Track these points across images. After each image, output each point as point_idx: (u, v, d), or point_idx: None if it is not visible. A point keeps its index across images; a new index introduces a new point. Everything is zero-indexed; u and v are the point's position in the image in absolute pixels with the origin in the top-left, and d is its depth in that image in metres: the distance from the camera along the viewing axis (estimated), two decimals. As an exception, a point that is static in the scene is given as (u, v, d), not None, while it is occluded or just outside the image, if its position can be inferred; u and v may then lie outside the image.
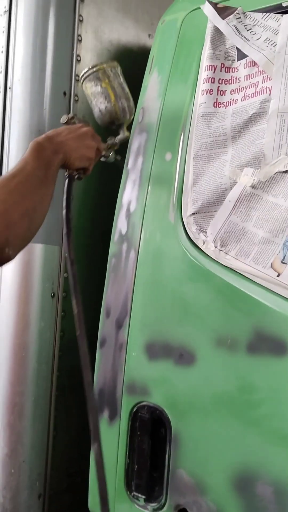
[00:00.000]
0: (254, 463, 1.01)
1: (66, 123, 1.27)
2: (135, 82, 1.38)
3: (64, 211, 1.19)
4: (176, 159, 1.24)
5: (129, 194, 1.32)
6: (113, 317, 1.30)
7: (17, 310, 1.44)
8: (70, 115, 1.29)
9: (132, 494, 1.22)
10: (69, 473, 1.58)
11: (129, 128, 1.37)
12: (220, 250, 1.10)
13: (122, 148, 1.38)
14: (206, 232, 1.13)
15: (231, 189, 1.12)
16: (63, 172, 1.21)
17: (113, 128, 1.37)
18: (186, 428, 1.12)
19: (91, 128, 1.24)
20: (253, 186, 1.08)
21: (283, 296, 0.99)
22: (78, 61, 1.49)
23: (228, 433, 1.05)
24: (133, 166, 1.33)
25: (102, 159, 1.36)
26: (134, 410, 1.22)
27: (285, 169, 1.04)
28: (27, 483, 1.46)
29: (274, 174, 1.06)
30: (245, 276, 1.05)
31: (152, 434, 1.19)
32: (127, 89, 1.35)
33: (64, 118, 1.28)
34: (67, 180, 1.21)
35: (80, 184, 1.55)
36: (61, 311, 1.51)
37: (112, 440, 1.26)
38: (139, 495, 1.20)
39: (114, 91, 1.30)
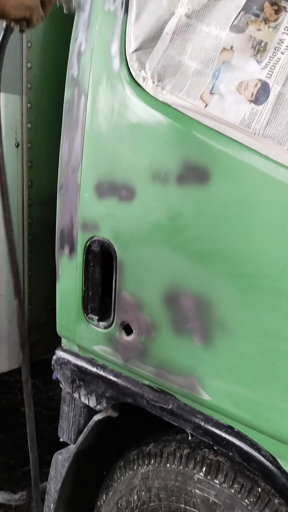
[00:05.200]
0: (180, 280, 1.14)
1: None
2: None
3: None
4: (122, -7, 1.20)
5: (80, 35, 1.31)
6: (68, 162, 1.37)
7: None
8: None
9: (88, 316, 1.39)
10: (48, 309, 1.78)
11: None
12: (157, 85, 1.12)
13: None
14: (146, 68, 1.14)
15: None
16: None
17: None
18: (128, 256, 1.25)
19: None
20: (188, 16, 1.06)
21: (208, 126, 1.03)
22: None
23: (160, 257, 1.17)
24: (84, 5, 1.30)
25: (65, 11, 1.27)
26: (87, 244, 1.34)
27: (217, -6, 1.02)
28: (5, 314, 1.67)
29: (208, 1, 1.03)
30: (177, 110, 1.09)
31: (102, 264, 1.33)
32: None
33: None
34: (2, 33, 1.13)
35: (39, 31, 1.53)
36: (27, 161, 1.58)
37: (71, 272, 1.42)
38: (93, 316, 1.38)
39: None
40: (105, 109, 1.24)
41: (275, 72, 0.93)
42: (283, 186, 0.94)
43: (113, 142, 1.23)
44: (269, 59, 0.94)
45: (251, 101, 0.96)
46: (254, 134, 0.96)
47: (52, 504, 1.72)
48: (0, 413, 3.22)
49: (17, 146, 1.53)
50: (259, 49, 0.96)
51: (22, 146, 1.55)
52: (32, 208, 1.63)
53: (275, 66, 0.93)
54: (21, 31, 1.15)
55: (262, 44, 0.96)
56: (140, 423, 1.59)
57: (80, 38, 1.31)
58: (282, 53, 0.93)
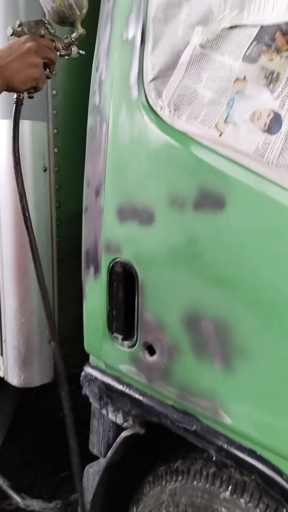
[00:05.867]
0: (199, 303, 1.16)
1: (13, 34, 1.19)
2: None
3: (12, 143, 1.20)
4: (139, 23, 1.23)
5: (101, 63, 1.35)
6: (92, 186, 1.42)
7: (12, 183, 1.58)
8: (17, 22, 1.19)
9: (113, 334, 1.43)
10: (77, 325, 1.83)
11: (83, 24, 1.28)
12: (174, 114, 1.14)
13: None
14: (162, 97, 1.16)
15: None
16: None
17: (67, 25, 1.27)
18: (149, 278, 1.28)
19: (36, 42, 1.15)
20: (202, 46, 1.08)
21: (223, 155, 1.05)
22: None
23: (179, 280, 1.19)
24: (103, 34, 1.33)
25: (66, 57, 1.32)
26: (111, 265, 1.38)
27: (230, 25, 1.03)
28: (37, 330, 1.73)
29: (221, 31, 1.05)
30: (193, 138, 1.10)
31: (125, 285, 1.36)
32: None
33: (9, 30, 1.19)
34: (14, 106, 1.20)
35: (63, 60, 1.57)
36: (55, 184, 1.63)
37: (97, 292, 1.46)
38: (118, 335, 1.41)
39: None
40: (125, 137, 1.27)
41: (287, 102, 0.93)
42: (297, 215, 0.94)
43: (133, 168, 1.26)
44: (282, 89, 0.95)
45: (264, 131, 0.97)
46: (268, 164, 0.96)
47: (84, 515, 1.76)
48: (38, 419, 3.32)
49: (45, 170, 1.59)
50: (271, 79, 0.96)
51: (49, 170, 1.60)
52: (61, 228, 1.69)
53: (287, 97, 0.94)
54: (30, 97, 1.24)
55: (275, 74, 0.96)
56: (169, 439, 1.61)
57: (101, 67, 1.35)
58: (294, 83, 0.93)
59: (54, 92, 1.56)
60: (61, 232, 1.69)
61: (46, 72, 1.22)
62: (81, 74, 1.59)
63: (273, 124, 0.96)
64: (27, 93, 1.20)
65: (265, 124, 0.97)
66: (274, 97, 0.96)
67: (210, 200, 1.08)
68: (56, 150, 1.60)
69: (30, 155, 1.56)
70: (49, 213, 1.65)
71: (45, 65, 1.20)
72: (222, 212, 1.06)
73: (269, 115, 0.96)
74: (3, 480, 2.19)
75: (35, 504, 2.05)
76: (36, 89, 1.20)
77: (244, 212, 1.03)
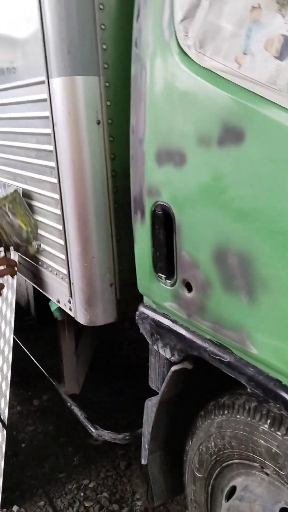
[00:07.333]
0: (225, 239, 1.19)
1: None
2: None
3: None
4: None
5: (141, 12, 1.39)
6: (136, 134, 1.49)
7: (69, 136, 1.70)
8: None
9: (158, 274, 1.52)
10: (135, 272, 1.94)
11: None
12: (199, 51, 1.16)
13: None
14: (189, 36, 1.19)
15: (210, -14, 1.13)
16: None
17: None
18: (184, 218, 1.34)
19: None
20: (223, -21, 1.08)
21: (241, 87, 1.06)
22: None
23: (208, 217, 1.23)
24: (141, -18, 1.37)
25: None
26: (153, 209, 1.46)
27: None
28: (99, 274, 1.87)
29: None
30: (217, 74, 1.12)
31: (166, 227, 1.43)
32: (17, 223, 1.56)
33: None
34: None
35: (112, 12, 1.62)
36: (109, 136, 1.72)
37: (144, 235, 1.55)
38: (162, 275, 1.50)
39: (3, 230, 1.54)
40: (160, 81, 1.32)
41: (295, 25, 0.91)
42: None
43: (167, 111, 1.31)
44: (291, 13, 0.93)
45: (276, 57, 0.96)
46: (280, 91, 0.96)
47: (146, 445, 1.92)
48: (129, 368, 3.58)
49: (98, 123, 1.68)
50: (282, 3, 0.94)
51: (103, 123, 1.69)
52: (117, 179, 1.78)
53: (295, 19, 0.92)
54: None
55: (286, -2, 0.94)
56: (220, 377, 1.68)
57: (140, 16, 1.39)
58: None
59: (104, 46, 1.62)
60: (117, 183, 1.79)
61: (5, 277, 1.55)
62: (129, 27, 1.64)
63: (284, 49, 0.95)
64: None
65: (277, 50, 0.96)
66: (285, 21, 0.94)
67: (231, 135, 1.10)
68: (108, 103, 1.68)
69: (84, 109, 1.66)
70: (104, 165, 1.74)
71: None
72: (242, 145, 1.08)
73: (280, 41, 0.95)
74: (81, 413, 2.44)
75: (106, 434, 2.26)
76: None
77: (261, 142, 1.04)
